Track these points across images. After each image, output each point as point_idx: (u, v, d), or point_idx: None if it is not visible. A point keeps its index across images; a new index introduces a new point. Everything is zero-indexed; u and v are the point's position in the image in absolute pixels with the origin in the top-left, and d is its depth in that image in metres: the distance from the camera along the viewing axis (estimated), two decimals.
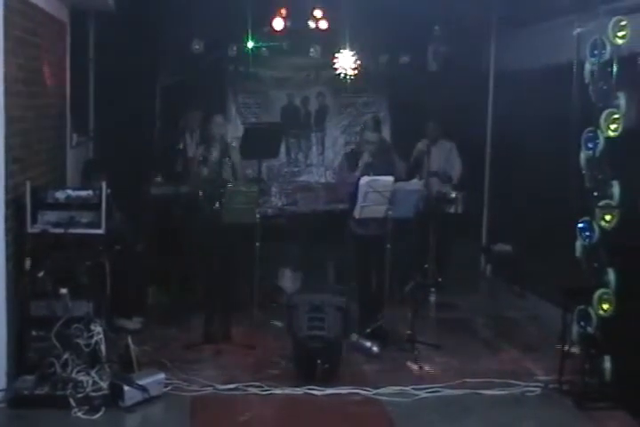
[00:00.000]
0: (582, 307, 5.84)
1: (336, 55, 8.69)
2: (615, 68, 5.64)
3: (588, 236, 5.82)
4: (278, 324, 7.19)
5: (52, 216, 5.92)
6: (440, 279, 8.47)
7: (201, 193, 6.85)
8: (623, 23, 5.58)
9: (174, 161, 8.00)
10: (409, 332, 6.82)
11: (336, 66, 8.72)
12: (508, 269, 8.69)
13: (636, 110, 5.81)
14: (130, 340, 5.93)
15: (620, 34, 5.57)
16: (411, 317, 6.91)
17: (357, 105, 9.63)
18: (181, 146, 8.14)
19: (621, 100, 5.63)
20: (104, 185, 6.11)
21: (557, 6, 6.93)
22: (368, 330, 6.85)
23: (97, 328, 5.63)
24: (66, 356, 5.47)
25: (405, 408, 5.65)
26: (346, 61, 8.70)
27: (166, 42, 8.51)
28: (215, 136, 7.00)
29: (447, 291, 8.42)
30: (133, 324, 7.07)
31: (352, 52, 8.68)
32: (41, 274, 5.63)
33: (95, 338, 5.61)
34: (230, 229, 6.65)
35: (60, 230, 5.83)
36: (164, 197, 7.80)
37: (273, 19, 8.32)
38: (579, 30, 5.95)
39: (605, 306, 5.70)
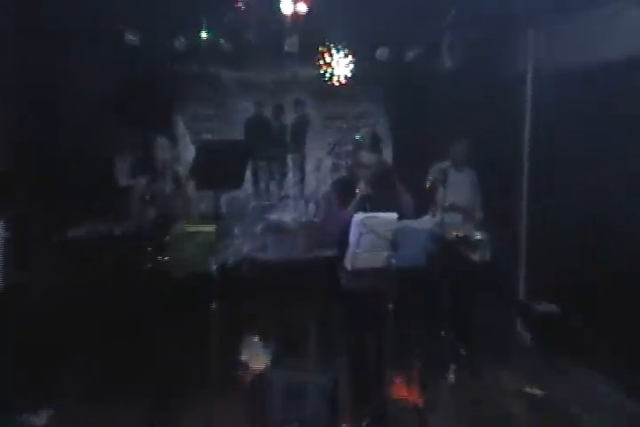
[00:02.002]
0: None
1: (320, 49, 8.52)
2: None
3: None
4: None
5: None
6: (462, 351, 8.08)
7: (142, 237, 6.75)
8: None
9: (102, 195, 7.93)
10: None
11: (320, 63, 8.55)
12: (555, 336, 8.23)
13: None
14: None
15: None
16: (422, 403, 6.80)
17: (349, 117, 9.37)
18: (115, 176, 8.22)
19: None
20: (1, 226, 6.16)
21: None
22: (364, 424, 6.58)
23: None
24: None
25: None
26: (332, 59, 8.52)
27: (88, 31, 8.02)
28: (160, 163, 6.95)
29: (471, 367, 7.97)
30: (40, 419, 6.75)
31: (339, 48, 8.51)
32: None
33: None
34: (178, 285, 6.50)
35: None
36: (87, 242, 7.68)
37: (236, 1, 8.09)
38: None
39: None
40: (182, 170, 7.29)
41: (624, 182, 6.27)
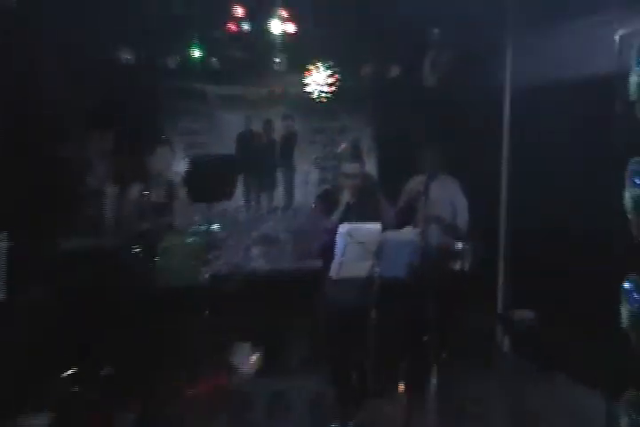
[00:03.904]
0: (633, 392, 5.74)
1: (307, 67, 8.77)
2: None
3: (636, 299, 5.75)
4: None
5: None
6: (443, 355, 8.29)
7: (135, 248, 7.06)
8: None
9: (85, 202, 8.03)
10: None
11: (307, 81, 8.80)
12: (532, 342, 8.55)
13: None
14: None
15: None
16: (406, 406, 6.95)
17: (331, 131, 9.71)
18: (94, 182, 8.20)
19: None
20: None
21: (593, 1, 6.88)
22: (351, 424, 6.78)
23: None
24: None
25: None
26: (318, 77, 8.80)
27: (85, 49, 8.19)
28: (156, 172, 7.25)
29: (453, 371, 8.21)
30: (40, 421, 6.86)
31: (325, 65, 8.75)
32: None
33: None
34: (168, 295, 6.83)
35: None
36: (75, 254, 7.59)
37: (227, 21, 8.36)
38: (620, 33, 5.76)
39: None
40: (175, 181, 7.61)
41: (599, 196, 6.28)
